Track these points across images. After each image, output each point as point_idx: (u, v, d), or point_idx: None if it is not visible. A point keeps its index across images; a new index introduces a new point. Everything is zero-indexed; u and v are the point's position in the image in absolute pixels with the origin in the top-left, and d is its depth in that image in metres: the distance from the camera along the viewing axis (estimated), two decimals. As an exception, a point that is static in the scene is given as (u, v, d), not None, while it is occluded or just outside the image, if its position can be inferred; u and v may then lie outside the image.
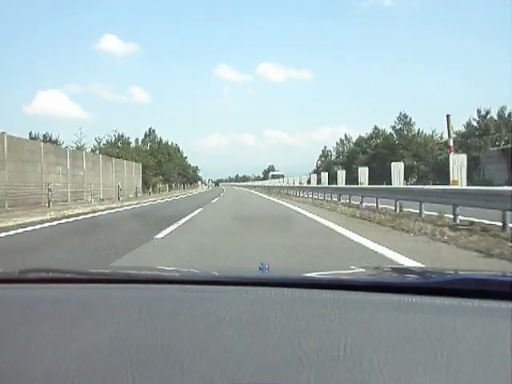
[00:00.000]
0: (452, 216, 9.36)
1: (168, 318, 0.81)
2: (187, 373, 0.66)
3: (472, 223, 8.68)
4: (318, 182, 36.88)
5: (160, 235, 8.49)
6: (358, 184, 26.02)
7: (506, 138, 46.59)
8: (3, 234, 9.26)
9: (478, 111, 52.22)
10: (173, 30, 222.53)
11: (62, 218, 13.47)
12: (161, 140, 68.57)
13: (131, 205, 21.62)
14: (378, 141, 63.41)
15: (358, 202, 15.74)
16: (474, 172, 35.06)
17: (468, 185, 14.19)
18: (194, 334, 0.75)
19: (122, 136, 52.17)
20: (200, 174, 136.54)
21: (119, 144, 49.55)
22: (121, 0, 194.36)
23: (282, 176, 69.89)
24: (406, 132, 59.96)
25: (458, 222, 9.05)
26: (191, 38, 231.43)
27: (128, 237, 8.47)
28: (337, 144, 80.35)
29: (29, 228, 10.51)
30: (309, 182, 40.56)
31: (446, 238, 7.29)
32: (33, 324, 0.83)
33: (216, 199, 27.74)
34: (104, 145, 47.70)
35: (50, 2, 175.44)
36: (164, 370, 0.67)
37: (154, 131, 67.68)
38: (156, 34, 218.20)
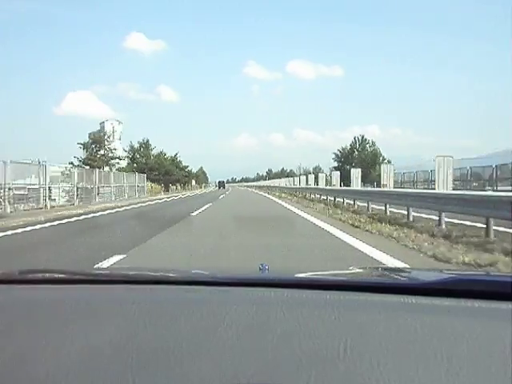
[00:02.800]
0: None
1: (168, 318, 0.81)
2: (188, 373, 0.66)
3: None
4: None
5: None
6: None
7: None
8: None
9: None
10: (200, 27, 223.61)
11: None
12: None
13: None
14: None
15: None
16: None
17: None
18: (195, 334, 0.75)
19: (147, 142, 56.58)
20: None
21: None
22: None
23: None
24: None
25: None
26: (220, 35, 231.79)
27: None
28: None
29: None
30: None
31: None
32: (33, 325, 0.83)
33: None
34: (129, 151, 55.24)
35: (74, 3, 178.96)
36: (164, 371, 0.67)
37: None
38: (183, 31, 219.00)
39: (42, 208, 19.33)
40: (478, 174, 30.29)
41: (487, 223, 7.55)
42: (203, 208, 17.92)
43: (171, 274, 1.26)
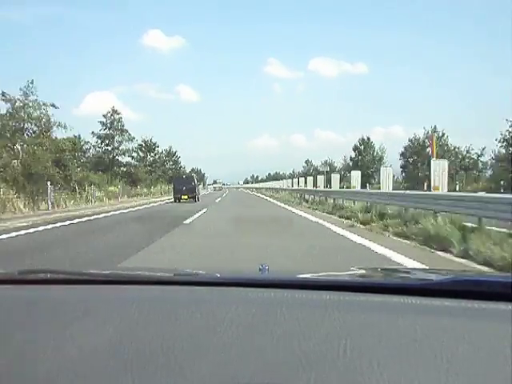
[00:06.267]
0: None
1: (168, 319, 0.81)
2: (187, 373, 0.66)
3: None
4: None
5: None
6: None
7: None
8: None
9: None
10: (220, 22, 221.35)
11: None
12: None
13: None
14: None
15: None
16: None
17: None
18: (194, 335, 0.75)
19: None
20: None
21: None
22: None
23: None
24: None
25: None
26: (240, 32, 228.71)
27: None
28: None
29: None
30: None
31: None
32: (32, 325, 0.83)
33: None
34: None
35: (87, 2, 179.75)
36: (164, 371, 0.66)
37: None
38: (202, 27, 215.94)
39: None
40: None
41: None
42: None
43: (171, 275, 1.27)
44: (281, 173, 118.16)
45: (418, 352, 0.68)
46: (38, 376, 0.68)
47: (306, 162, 78.50)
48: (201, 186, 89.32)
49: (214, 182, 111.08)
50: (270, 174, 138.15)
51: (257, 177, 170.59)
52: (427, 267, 4.65)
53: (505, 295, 0.83)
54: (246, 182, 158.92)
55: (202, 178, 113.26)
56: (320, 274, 1.22)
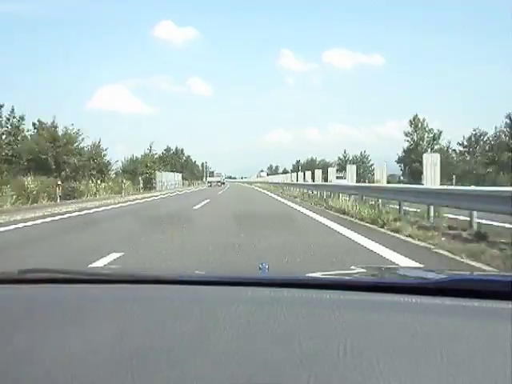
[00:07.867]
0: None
1: (167, 318, 0.81)
2: (187, 373, 0.66)
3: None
4: None
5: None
6: None
7: None
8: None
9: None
10: (233, 13, 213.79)
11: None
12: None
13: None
14: None
15: None
16: None
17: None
18: (194, 334, 0.75)
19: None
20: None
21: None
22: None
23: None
24: None
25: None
26: (254, 23, 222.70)
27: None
28: None
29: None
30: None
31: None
32: (32, 324, 0.83)
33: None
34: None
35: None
36: (163, 371, 0.66)
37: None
38: (215, 17, 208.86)
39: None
40: None
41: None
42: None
43: (170, 274, 1.27)
44: (326, 160, 79.67)
45: (417, 351, 0.68)
46: (37, 376, 0.68)
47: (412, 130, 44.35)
48: (178, 178, 61.94)
49: (211, 175, 78.02)
50: (298, 161, 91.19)
51: (276, 168, 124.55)
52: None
53: (504, 294, 0.82)
54: (274, 173, 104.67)
55: (191, 166, 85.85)
56: (320, 273, 1.21)
